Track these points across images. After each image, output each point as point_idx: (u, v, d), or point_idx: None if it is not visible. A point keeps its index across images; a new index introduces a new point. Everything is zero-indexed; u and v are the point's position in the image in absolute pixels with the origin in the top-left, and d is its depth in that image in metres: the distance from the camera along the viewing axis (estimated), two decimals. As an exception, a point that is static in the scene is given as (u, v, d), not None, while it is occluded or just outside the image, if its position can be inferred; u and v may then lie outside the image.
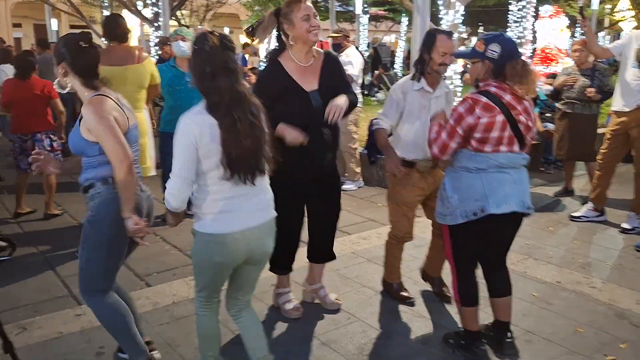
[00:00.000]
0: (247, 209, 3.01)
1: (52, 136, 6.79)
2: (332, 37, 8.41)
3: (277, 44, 4.18)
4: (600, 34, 31.94)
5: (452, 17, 12.66)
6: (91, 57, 3.28)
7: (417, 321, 4.37)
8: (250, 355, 3.34)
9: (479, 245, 3.83)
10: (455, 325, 4.27)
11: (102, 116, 3.10)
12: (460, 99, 3.83)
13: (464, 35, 13.63)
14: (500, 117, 3.49)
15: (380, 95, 16.68)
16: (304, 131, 3.83)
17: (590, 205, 6.88)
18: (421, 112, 4.31)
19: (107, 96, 3.23)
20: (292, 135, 3.80)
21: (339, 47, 8.16)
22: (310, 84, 4.03)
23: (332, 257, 4.62)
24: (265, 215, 3.12)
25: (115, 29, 5.82)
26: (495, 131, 3.50)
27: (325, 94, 4.02)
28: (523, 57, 3.63)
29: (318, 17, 4.00)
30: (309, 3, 3.95)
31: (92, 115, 3.11)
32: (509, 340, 3.92)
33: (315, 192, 4.22)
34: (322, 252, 4.57)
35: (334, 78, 4.15)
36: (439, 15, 13.17)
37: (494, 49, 3.55)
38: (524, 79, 3.53)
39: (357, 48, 9.11)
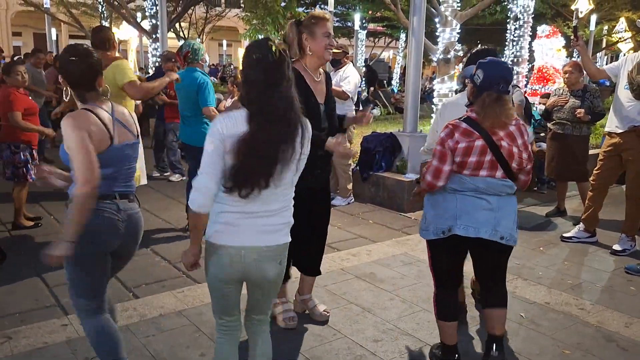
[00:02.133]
0: (249, 228, 2.87)
1: (12, 147, 6.67)
2: (333, 52, 8.46)
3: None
4: (598, 55, 32.13)
5: (448, 35, 12.75)
6: (81, 69, 3.22)
7: (403, 339, 4.35)
8: None
9: (454, 264, 3.84)
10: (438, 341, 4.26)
11: (73, 131, 3.02)
12: None
13: (460, 54, 13.69)
14: (479, 142, 3.50)
15: (375, 111, 16.71)
16: None
17: (581, 226, 6.88)
18: None
19: (91, 110, 3.16)
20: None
21: (337, 62, 8.19)
22: (320, 97, 4.22)
23: (317, 272, 4.65)
24: (271, 240, 2.93)
25: (95, 38, 5.93)
26: (473, 155, 3.51)
27: (329, 108, 4.30)
28: (509, 88, 3.62)
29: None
30: (331, 23, 4.16)
31: (65, 129, 3.04)
32: (493, 354, 3.83)
33: (306, 205, 4.21)
34: (308, 266, 4.60)
35: (331, 97, 4.39)
36: (436, 33, 13.26)
37: (479, 75, 3.59)
38: (487, 113, 3.52)
39: (353, 64, 9.15)
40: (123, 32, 23.67)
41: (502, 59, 3.97)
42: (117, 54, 6.17)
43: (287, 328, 4.42)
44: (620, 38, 27.98)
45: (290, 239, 3.06)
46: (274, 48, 2.76)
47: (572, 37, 6.62)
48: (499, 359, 3.81)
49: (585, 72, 7.23)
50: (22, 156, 6.63)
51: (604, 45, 30.18)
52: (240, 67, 2.87)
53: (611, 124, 6.46)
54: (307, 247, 4.45)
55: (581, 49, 6.57)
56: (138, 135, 3.43)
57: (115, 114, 3.28)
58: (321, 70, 4.31)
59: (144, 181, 6.48)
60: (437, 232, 3.67)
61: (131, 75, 5.89)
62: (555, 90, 8.07)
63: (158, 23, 15.28)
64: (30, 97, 7.12)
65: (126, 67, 5.93)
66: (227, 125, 2.74)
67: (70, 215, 3.02)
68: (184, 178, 9.88)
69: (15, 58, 14.45)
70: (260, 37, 27.60)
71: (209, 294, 3.10)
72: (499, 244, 3.61)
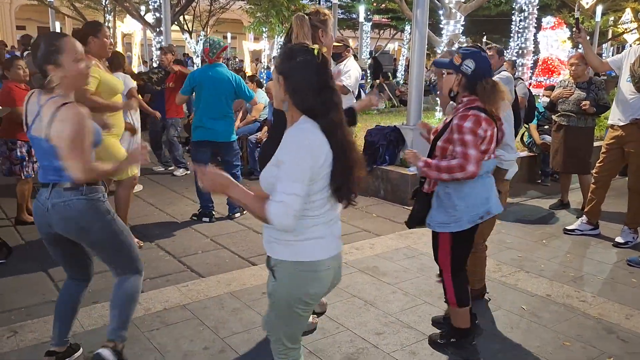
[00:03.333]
0: (333, 235, 2.75)
1: (9, 144, 6.71)
2: (333, 45, 8.45)
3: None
4: (604, 46, 32.02)
5: (452, 27, 12.75)
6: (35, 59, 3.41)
7: (405, 332, 4.39)
8: None
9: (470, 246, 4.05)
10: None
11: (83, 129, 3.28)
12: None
13: (464, 46, 13.63)
14: (494, 130, 3.75)
15: (380, 104, 16.71)
16: None
17: (584, 218, 6.90)
18: None
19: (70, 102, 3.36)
20: None
21: (338, 56, 8.19)
22: None
23: None
24: (341, 243, 2.85)
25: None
26: (493, 142, 3.79)
27: None
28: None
29: None
30: None
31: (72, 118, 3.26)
32: None
33: None
34: None
35: None
36: (440, 26, 13.26)
37: (469, 65, 3.70)
38: (492, 98, 3.68)
39: (355, 57, 9.15)
40: (127, 25, 23.70)
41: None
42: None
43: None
44: (626, 29, 27.88)
45: None
46: (315, 51, 2.62)
47: (574, 30, 6.61)
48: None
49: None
50: (18, 153, 6.65)
51: (609, 36, 30.06)
52: (280, 74, 2.64)
53: (614, 116, 6.46)
54: None
55: (583, 41, 6.56)
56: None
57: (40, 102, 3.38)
58: None
59: (136, 171, 6.51)
60: (474, 219, 3.81)
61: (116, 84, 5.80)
62: (560, 82, 8.06)
63: (162, 16, 15.30)
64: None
65: (107, 75, 5.71)
66: (315, 142, 2.55)
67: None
68: (188, 172, 9.93)
69: (25, 54, 14.39)
70: (264, 29, 27.62)
71: (287, 321, 2.81)
72: None
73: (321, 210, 2.65)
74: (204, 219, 7.24)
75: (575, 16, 6.72)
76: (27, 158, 6.70)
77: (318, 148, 2.53)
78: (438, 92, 3.91)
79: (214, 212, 7.32)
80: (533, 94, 9.28)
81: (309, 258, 2.65)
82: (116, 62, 7.95)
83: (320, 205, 2.64)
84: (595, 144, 7.83)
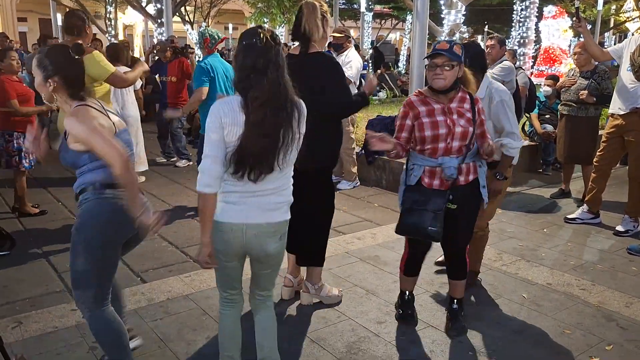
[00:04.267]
0: (252, 206, 3.02)
1: (6, 136, 6.71)
2: (334, 36, 8.48)
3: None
4: (606, 35, 31.94)
5: (454, 16, 12.74)
6: (81, 67, 3.30)
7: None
8: (258, 352, 3.38)
9: None
10: (443, 323, 4.34)
11: (86, 122, 3.06)
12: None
13: (466, 35, 13.67)
14: None
15: (382, 94, 16.67)
16: None
17: (585, 207, 6.92)
18: None
19: (90, 105, 3.21)
20: None
21: (340, 47, 8.21)
22: None
23: (304, 263, 4.71)
24: (270, 217, 3.07)
25: (65, 24, 5.96)
26: None
27: None
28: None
29: None
30: None
31: (76, 124, 3.06)
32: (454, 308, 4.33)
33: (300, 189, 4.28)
34: (305, 256, 4.67)
35: None
36: (442, 15, 13.25)
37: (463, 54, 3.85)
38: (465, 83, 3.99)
39: (357, 47, 9.16)
40: (128, 16, 23.67)
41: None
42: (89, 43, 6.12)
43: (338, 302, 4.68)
44: (628, 17, 27.82)
45: (289, 216, 3.20)
46: (262, 35, 2.86)
47: (574, 19, 6.60)
48: (458, 311, 4.29)
49: None
50: (15, 144, 6.65)
51: (611, 25, 30.00)
52: None
53: (614, 105, 6.47)
54: (301, 234, 4.38)
55: (584, 31, 6.55)
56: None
57: (102, 105, 3.35)
58: None
59: (143, 167, 6.58)
60: None
61: (110, 68, 5.92)
62: (568, 71, 8.06)
63: (163, 7, 15.28)
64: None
65: (102, 60, 5.92)
66: (224, 111, 2.87)
67: (127, 196, 3.14)
68: (191, 163, 9.96)
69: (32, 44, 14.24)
70: (265, 20, 27.60)
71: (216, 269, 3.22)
72: None
73: (237, 180, 2.94)
74: None
75: (575, 5, 6.71)
76: (23, 149, 6.67)
77: (224, 117, 2.85)
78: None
79: None
80: (534, 83, 9.29)
81: (217, 217, 3.02)
82: (116, 55, 7.97)
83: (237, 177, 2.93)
84: (600, 132, 7.82)
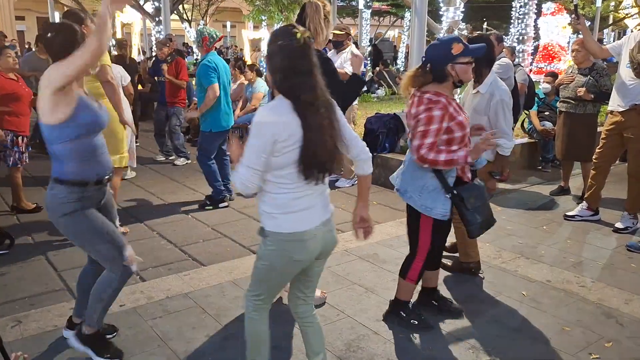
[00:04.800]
0: (318, 204, 2.99)
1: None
2: (334, 34, 8.45)
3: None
4: (605, 31, 31.93)
5: (452, 13, 12.71)
6: (58, 43, 3.46)
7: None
8: (309, 353, 3.36)
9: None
10: (442, 320, 4.35)
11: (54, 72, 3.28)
12: None
13: (465, 32, 13.65)
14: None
15: (380, 91, 16.68)
16: None
17: (584, 204, 6.91)
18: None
19: None
20: None
21: (340, 44, 8.20)
22: None
23: None
24: (329, 209, 3.10)
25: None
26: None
27: None
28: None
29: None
30: None
31: (53, 69, 3.32)
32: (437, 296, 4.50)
33: None
34: None
35: None
36: (440, 12, 13.22)
37: None
38: None
39: (356, 44, 9.16)
40: (126, 15, 23.63)
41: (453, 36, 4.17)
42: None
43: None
44: (627, 14, 27.80)
45: None
46: (298, 35, 2.77)
47: (572, 16, 6.59)
48: (385, 314, 4.39)
49: None
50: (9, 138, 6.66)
51: (610, 21, 29.98)
52: (265, 55, 2.98)
53: (613, 102, 6.47)
54: None
55: (582, 28, 6.55)
56: None
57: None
58: None
59: (133, 164, 6.61)
60: None
61: (105, 60, 5.85)
62: (567, 68, 8.06)
63: (161, 5, 15.26)
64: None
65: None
66: (277, 118, 2.76)
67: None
68: (189, 161, 9.96)
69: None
70: (263, 18, 27.56)
71: (265, 280, 3.12)
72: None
73: (298, 183, 2.86)
74: (221, 205, 7.43)
75: (574, 3, 6.71)
76: (10, 146, 6.65)
77: (282, 125, 2.73)
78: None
79: (227, 196, 7.54)
80: (533, 80, 9.28)
81: (294, 229, 2.91)
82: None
83: (294, 178, 2.85)
84: (599, 129, 7.81)
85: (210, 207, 7.32)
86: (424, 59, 3.91)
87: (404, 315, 4.30)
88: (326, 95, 2.89)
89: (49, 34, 3.46)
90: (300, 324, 3.39)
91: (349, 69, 7.82)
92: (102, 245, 3.62)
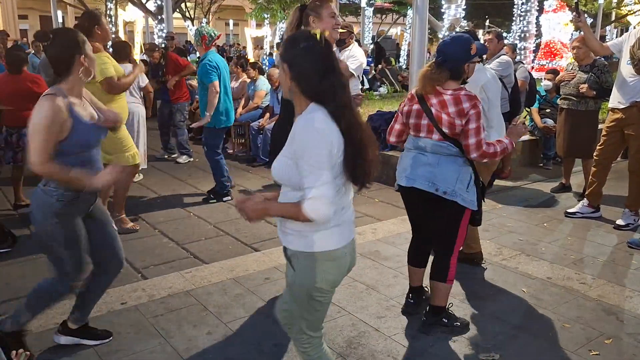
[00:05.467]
0: (348, 221, 2.76)
1: (10, 131, 6.77)
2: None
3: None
4: (607, 28, 31.89)
5: (454, 11, 12.73)
6: (52, 53, 3.41)
7: (406, 315, 4.44)
8: None
9: (412, 214, 4.39)
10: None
11: (35, 116, 3.24)
12: None
13: (467, 29, 13.62)
14: (416, 106, 4.03)
15: (382, 89, 16.66)
16: None
17: (585, 201, 6.92)
18: None
19: (56, 95, 3.31)
20: None
21: (342, 42, 8.19)
22: None
23: None
24: (354, 226, 2.85)
25: (77, 25, 6.05)
26: (412, 118, 4.06)
27: None
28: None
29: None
30: (334, 5, 4.32)
31: (33, 115, 3.26)
32: (426, 320, 4.30)
33: None
34: None
35: None
36: (442, 10, 13.24)
37: None
38: (419, 78, 4.07)
39: (358, 42, 9.15)
40: (128, 13, 23.66)
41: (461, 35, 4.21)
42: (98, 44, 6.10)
43: None
44: (629, 11, 27.78)
45: None
46: (318, 36, 2.60)
47: (573, 14, 6.59)
48: (427, 324, 4.23)
49: None
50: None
51: (613, 18, 29.95)
52: (284, 62, 2.62)
53: (614, 99, 6.47)
54: None
55: (583, 25, 6.55)
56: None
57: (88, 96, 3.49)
58: None
59: (143, 165, 6.65)
60: (396, 185, 4.24)
61: (109, 72, 5.89)
62: (567, 65, 8.06)
63: (163, 4, 15.28)
64: None
65: (104, 63, 5.86)
66: (327, 128, 2.53)
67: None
68: (191, 159, 9.98)
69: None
70: (266, 16, 27.56)
71: (308, 309, 2.80)
72: (439, 198, 3.94)
73: (335, 198, 2.58)
74: (225, 198, 7.60)
75: (575, 0, 6.71)
76: (3, 144, 6.78)
77: (330, 134, 2.51)
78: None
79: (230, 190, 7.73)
80: (534, 77, 9.28)
81: (326, 248, 2.65)
82: (123, 53, 7.92)
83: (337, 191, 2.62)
84: (600, 126, 7.81)
85: (214, 200, 7.50)
86: (440, 57, 3.94)
87: (446, 321, 4.23)
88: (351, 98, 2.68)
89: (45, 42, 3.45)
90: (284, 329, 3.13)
91: (352, 66, 7.85)
92: (67, 258, 3.57)
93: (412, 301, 4.49)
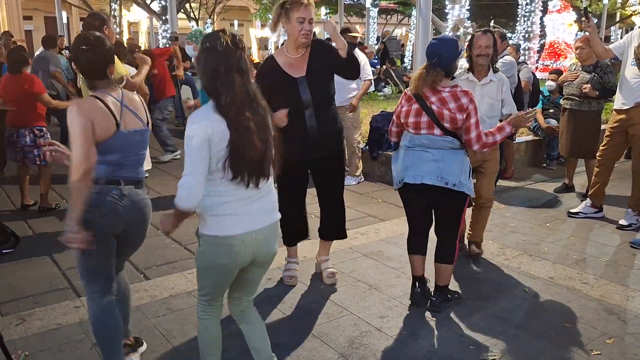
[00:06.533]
0: (252, 212, 2.97)
1: (36, 131, 6.82)
2: (350, 36, 8.42)
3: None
4: (612, 28, 31.81)
5: (457, 11, 12.72)
6: (91, 58, 3.27)
7: (408, 315, 4.44)
8: (255, 356, 3.36)
9: (414, 210, 4.54)
10: (445, 317, 4.37)
11: (75, 118, 3.08)
12: None
13: (470, 30, 13.62)
14: (415, 105, 4.22)
15: (387, 90, 16.66)
16: (295, 114, 4.13)
17: (588, 201, 6.90)
18: None
19: (98, 98, 3.21)
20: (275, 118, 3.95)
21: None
22: (298, 72, 4.48)
23: (342, 235, 5.12)
24: (271, 218, 3.10)
25: (84, 25, 6.05)
26: (412, 117, 4.23)
27: (313, 79, 4.49)
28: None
29: (313, 24, 4.43)
30: (310, 9, 4.36)
31: (69, 115, 3.10)
32: (434, 300, 4.59)
33: (316, 172, 4.85)
34: (330, 230, 5.05)
35: (324, 59, 4.55)
36: (445, 10, 13.23)
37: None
38: (414, 79, 4.30)
39: (361, 44, 9.16)
40: (133, 14, 23.71)
41: (453, 37, 4.55)
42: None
43: (287, 284, 4.97)
44: (634, 11, 27.72)
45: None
46: (222, 38, 2.83)
47: (582, 19, 6.57)
48: (438, 303, 4.52)
49: None
50: (29, 139, 6.82)
51: (617, 18, 29.88)
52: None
53: (618, 101, 6.46)
54: (326, 212, 5.04)
55: (592, 30, 6.51)
56: (148, 123, 3.48)
57: (124, 100, 3.33)
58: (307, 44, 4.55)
59: (147, 166, 6.66)
60: (397, 183, 4.40)
61: (121, 71, 5.91)
62: (569, 65, 8.05)
63: (167, 4, 15.29)
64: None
65: (117, 63, 5.91)
66: (207, 122, 2.79)
67: (70, 203, 3.05)
68: (177, 154, 9.95)
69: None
70: (270, 16, 27.64)
71: (203, 280, 3.12)
72: (448, 190, 4.17)
73: (228, 188, 2.88)
74: None
75: (584, 5, 6.70)
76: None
77: (210, 126, 2.77)
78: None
79: None
80: (538, 77, 9.27)
81: (219, 233, 2.92)
82: (122, 53, 7.93)
83: (224, 182, 2.86)
84: (602, 126, 7.80)
85: None
86: (435, 59, 4.15)
87: (450, 296, 4.60)
88: (257, 99, 2.94)
89: (82, 47, 3.34)
90: (238, 322, 3.40)
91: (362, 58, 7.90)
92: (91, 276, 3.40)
93: (418, 290, 4.62)
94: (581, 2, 19.89)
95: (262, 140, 2.89)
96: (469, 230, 5.66)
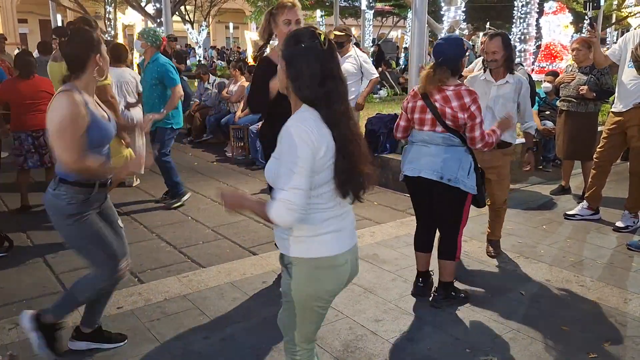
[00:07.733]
0: (347, 228, 2.65)
1: (34, 135, 6.81)
2: (335, 34, 8.41)
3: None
4: (608, 30, 31.84)
5: (453, 13, 12.72)
6: (69, 50, 3.40)
7: (404, 318, 4.42)
8: None
9: (417, 203, 4.72)
10: (441, 320, 4.34)
11: (57, 113, 3.24)
12: None
13: (466, 32, 13.62)
14: (420, 102, 4.37)
15: (382, 92, 16.64)
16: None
17: (585, 203, 6.89)
18: (482, 98, 4.78)
19: (72, 91, 3.32)
20: None
21: (341, 45, 8.18)
22: None
23: None
24: (356, 234, 2.76)
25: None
26: (416, 113, 4.39)
27: None
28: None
29: (301, 24, 4.41)
30: (296, 10, 4.41)
31: (51, 113, 3.27)
32: (436, 295, 4.71)
33: None
34: None
35: None
36: (441, 12, 13.23)
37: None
38: (421, 78, 4.44)
39: (357, 45, 9.15)
40: (128, 16, 23.66)
41: (455, 37, 4.69)
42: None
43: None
44: (630, 13, 27.74)
45: None
46: (322, 36, 2.48)
47: (587, 29, 6.56)
48: (439, 298, 4.63)
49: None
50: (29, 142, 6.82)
51: (613, 20, 29.90)
52: (283, 59, 2.53)
53: (616, 103, 6.44)
54: None
55: (595, 41, 6.51)
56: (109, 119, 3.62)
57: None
58: None
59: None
60: (402, 176, 4.57)
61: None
62: (566, 67, 8.05)
63: (162, 7, 15.26)
64: None
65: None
66: (314, 132, 2.41)
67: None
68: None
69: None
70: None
71: (302, 320, 2.72)
72: (444, 185, 4.29)
73: (331, 203, 2.54)
74: (184, 198, 7.48)
75: (589, 15, 6.70)
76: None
77: (318, 138, 2.39)
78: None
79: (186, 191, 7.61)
80: (534, 79, 9.25)
81: (326, 253, 2.56)
82: (116, 55, 7.88)
83: (329, 197, 2.52)
84: (599, 128, 7.78)
85: (178, 204, 7.39)
86: (440, 58, 4.27)
87: (454, 294, 4.69)
88: (349, 106, 2.58)
89: (62, 39, 3.44)
90: None
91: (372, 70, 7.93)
92: (98, 251, 3.60)
93: (421, 284, 4.80)
94: (586, 13, 19.91)
95: (362, 154, 2.55)
96: (488, 229, 5.81)
